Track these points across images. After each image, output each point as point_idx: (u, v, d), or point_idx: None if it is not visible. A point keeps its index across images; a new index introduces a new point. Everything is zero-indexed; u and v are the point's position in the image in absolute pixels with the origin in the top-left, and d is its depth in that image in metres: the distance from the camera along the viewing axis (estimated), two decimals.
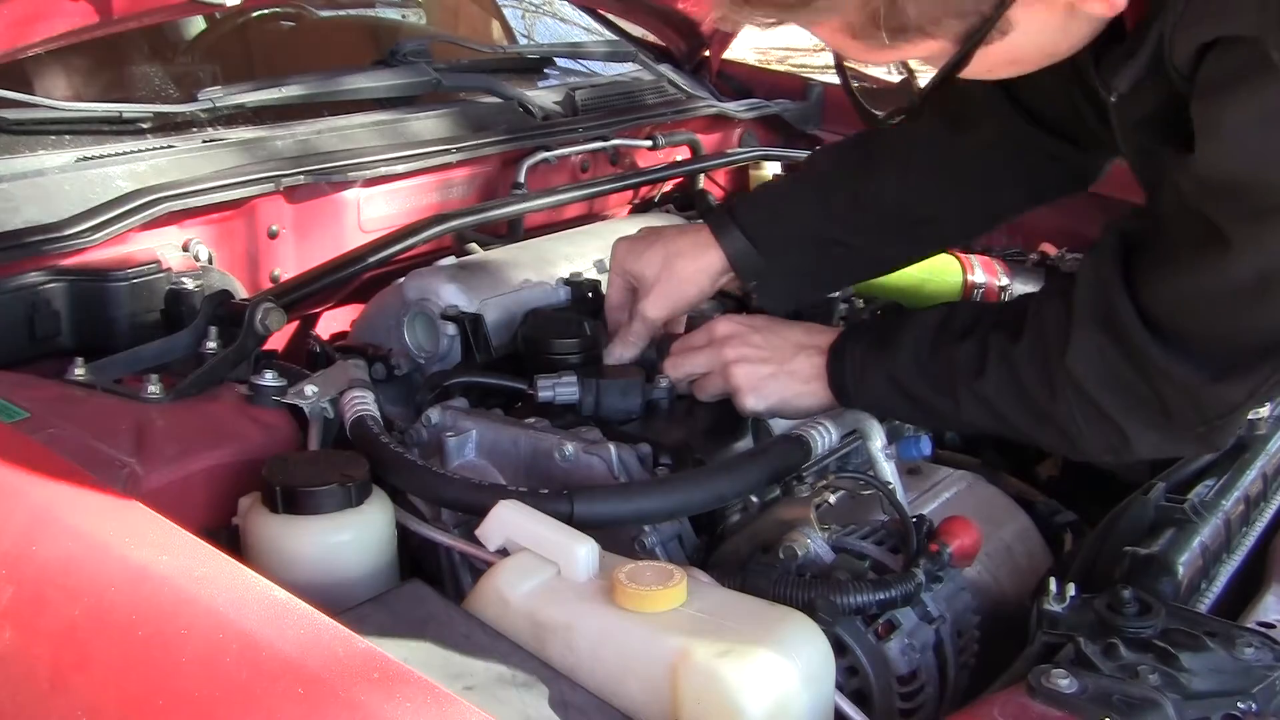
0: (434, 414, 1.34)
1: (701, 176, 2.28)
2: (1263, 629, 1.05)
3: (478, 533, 1.06)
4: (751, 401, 1.32)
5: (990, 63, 1.02)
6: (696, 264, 1.44)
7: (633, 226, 1.90)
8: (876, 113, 1.15)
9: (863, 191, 1.43)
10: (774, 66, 4.37)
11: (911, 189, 1.43)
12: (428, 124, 1.94)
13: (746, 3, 0.97)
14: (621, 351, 1.45)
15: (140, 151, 1.61)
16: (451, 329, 1.52)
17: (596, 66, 2.45)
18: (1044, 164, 1.42)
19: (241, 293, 1.55)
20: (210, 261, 1.58)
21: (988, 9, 0.95)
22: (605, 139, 2.13)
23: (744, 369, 1.32)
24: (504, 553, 1.04)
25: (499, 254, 1.72)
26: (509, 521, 1.05)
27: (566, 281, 1.65)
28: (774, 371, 1.32)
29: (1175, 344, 1.03)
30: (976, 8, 0.95)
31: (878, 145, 1.46)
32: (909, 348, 1.23)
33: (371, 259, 1.61)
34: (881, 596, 1.06)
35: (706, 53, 2.59)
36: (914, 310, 1.29)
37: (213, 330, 1.40)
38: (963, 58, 0.99)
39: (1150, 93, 1.04)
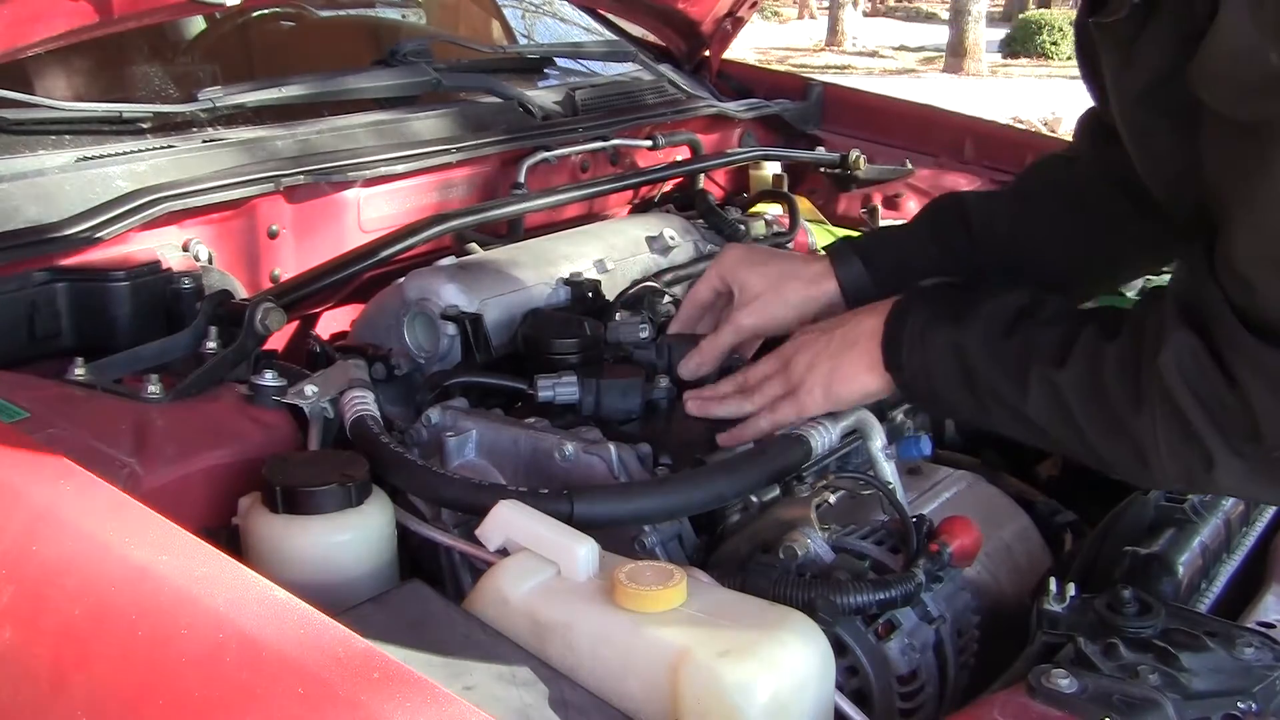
0: (434, 414, 1.34)
1: (701, 176, 2.28)
2: (1263, 629, 1.05)
3: (478, 533, 1.06)
4: (812, 401, 1.25)
5: None
6: (807, 291, 1.39)
7: (633, 226, 1.91)
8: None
9: (983, 235, 1.38)
10: (774, 66, 4.38)
11: (1029, 239, 1.37)
12: (428, 124, 1.94)
13: None
14: (701, 361, 1.41)
15: (140, 151, 1.61)
16: (451, 329, 1.52)
17: (596, 66, 2.45)
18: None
19: (241, 293, 1.55)
20: (210, 261, 1.58)
21: None
22: (605, 139, 2.14)
23: (813, 369, 1.25)
24: (504, 553, 1.04)
25: (499, 254, 1.73)
26: (509, 521, 1.05)
27: (566, 281, 1.65)
28: (828, 346, 1.24)
29: (1269, 333, 0.93)
30: None
31: (1025, 191, 1.42)
32: (985, 318, 1.12)
33: (371, 259, 1.61)
34: (881, 596, 1.06)
35: (706, 53, 2.60)
36: (995, 288, 1.19)
37: (213, 330, 1.40)
38: None
39: (1158, 32, 0.97)
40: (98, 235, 1.43)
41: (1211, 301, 0.96)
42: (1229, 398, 0.95)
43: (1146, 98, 1.05)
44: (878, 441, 1.28)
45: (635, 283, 1.66)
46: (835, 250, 1.42)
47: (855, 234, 1.81)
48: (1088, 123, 1.39)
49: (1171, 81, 0.96)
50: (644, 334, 1.47)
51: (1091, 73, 1.21)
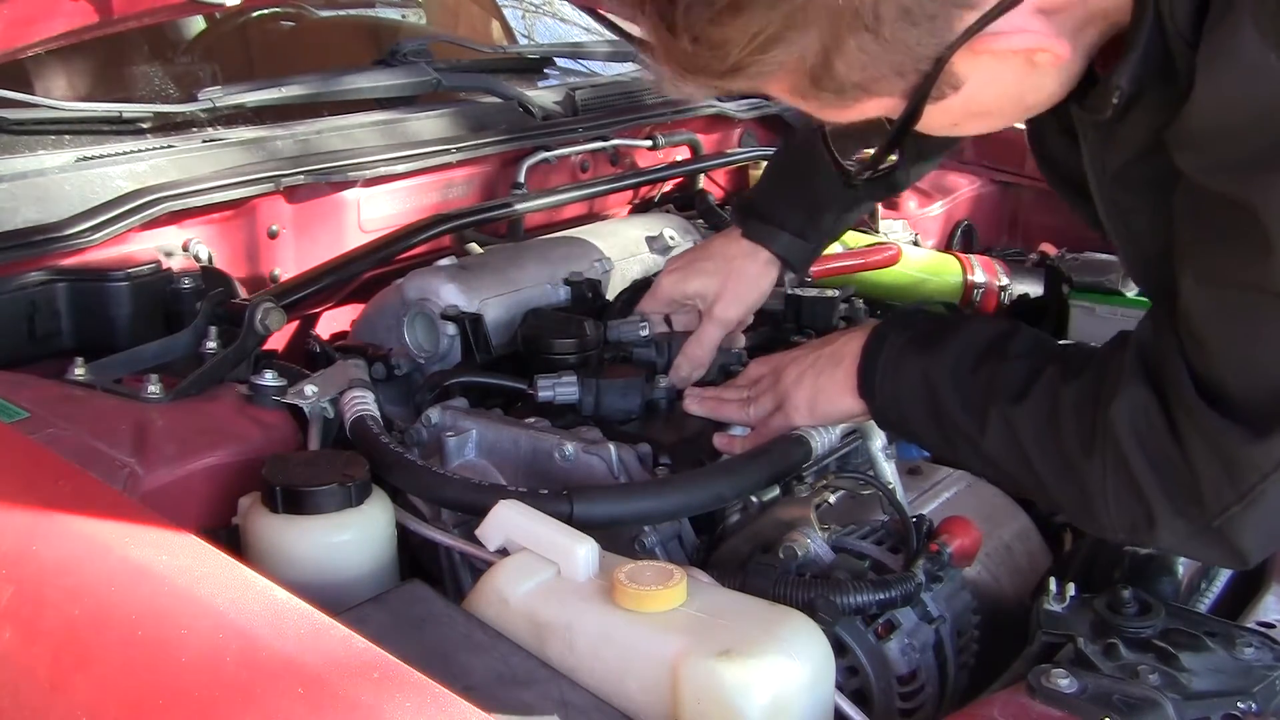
0: (434, 414, 1.34)
1: (701, 176, 2.28)
2: (1263, 629, 1.05)
3: (478, 533, 1.06)
4: (798, 415, 1.26)
5: (953, 117, 0.98)
6: (756, 264, 1.49)
7: (633, 226, 1.90)
8: (849, 167, 1.11)
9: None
10: None
11: None
12: (428, 124, 1.94)
13: (685, 76, 0.94)
14: (691, 365, 1.45)
15: (140, 151, 1.61)
16: (451, 329, 1.52)
17: (596, 66, 2.45)
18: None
19: (241, 293, 1.54)
20: (210, 261, 1.58)
21: (926, 65, 0.91)
22: (605, 139, 2.13)
23: (799, 384, 1.27)
24: (504, 553, 1.04)
25: (499, 254, 1.72)
26: (509, 521, 1.05)
27: (567, 281, 1.65)
28: (816, 362, 1.26)
29: (1218, 398, 0.93)
30: (914, 65, 0.91)
31: None
32: (954, 350, 1.12)
33: (371, 259, 1.61)
34: (881, 596, 1.06)
35: None
36: (974, 316, 1.25)
37: (213, 330, 1.40)
38: (912, 114, 0.95)
39: (1142, 117, 0.97)
40: (98, 235, 1.43)
41: (1169, 356, 0.96)
42: (1176, 458, 0.95)
43: (1126, 173, 1.03)
44: (878, 441, 1.28)
45: (635, 283, 1.66)
46: (750, 229, 1.50)
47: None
48: None
49: (1153, 154, 0.95)
50: (644, 333, 1.48)
51: (1057, 173, 1.21)
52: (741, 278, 1.48)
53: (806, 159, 1.48)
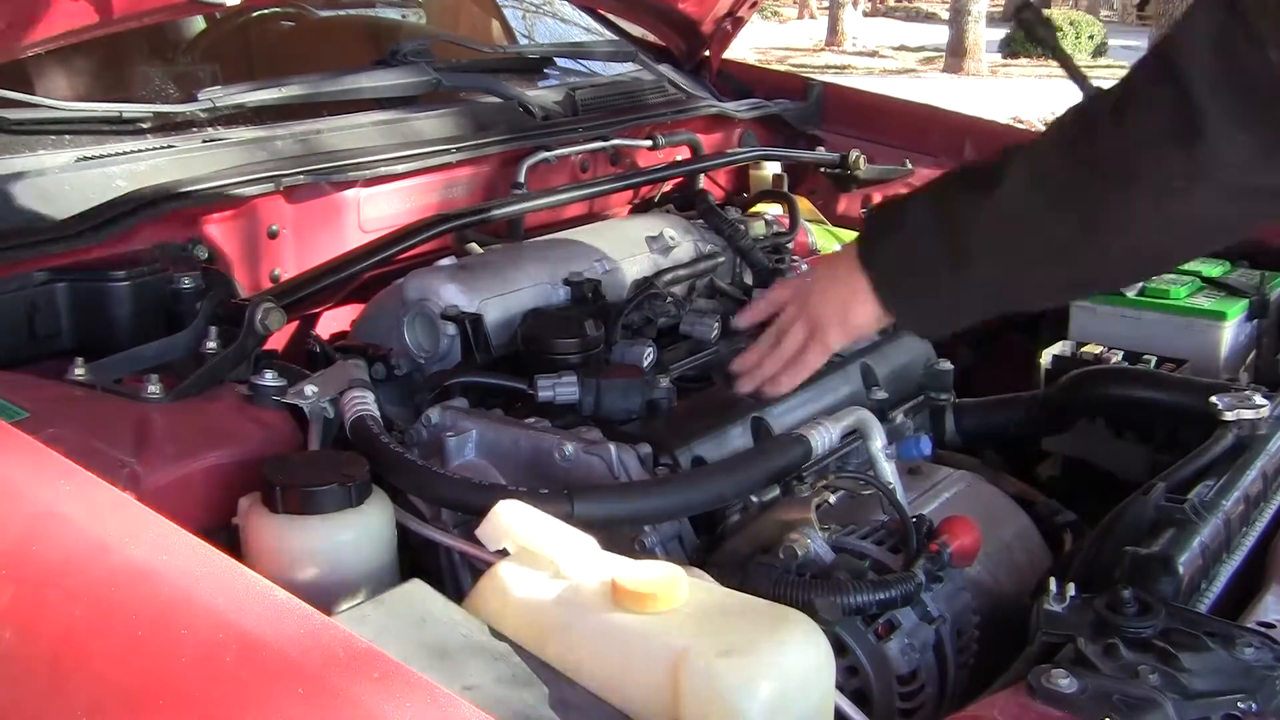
0: (434, 414, 1.34)
1: (701, 176, 2.28)
2: (1263, 629, 1.05)
3: (478, 533, 1.06)
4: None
5: None
6: (867, 310, 1.35)
7: (633, 226, 1.91)
8: None
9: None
10: (774, 66, 4.38)
11: None
12: (428, 124, 1.94)
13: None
14: (790, 381, 1.41)
15: (140, 151, 1.61)
16: (451, 329, 1.52)
17: (596, 66, 2.45)
18: None
19: (241, 293, 1.55)
20: (210, 261, 1.58)
21: None
22: (605, 139, 2.13)
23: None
24: (504, 553, 1.04)
25: (499, 254, 1.73)
26: (509, 521, 1.05)
27: (567, 281, 1.65)
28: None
29: None
30: None
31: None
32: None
33: (371, 259, 1.61)
34: (881, 596, 1.06)
35: (706, 53, 2.60)
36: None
37: (213, 330, 1.40)
38: None
39: None
40: (98, 235, 1.43)
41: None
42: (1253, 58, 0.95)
43: None
44: (878, 441, 1.28)
45: (640, 288, 1.67)
46: (879, 277, 1.36)
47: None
48: None
49: None
50: (714, 335, 1.56)
51: None
52: (854, 320, 1.37)
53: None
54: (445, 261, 1.67)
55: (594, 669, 0.93)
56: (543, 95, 2.16)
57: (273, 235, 1.69)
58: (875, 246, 1.31)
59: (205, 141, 1.69)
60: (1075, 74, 1.49)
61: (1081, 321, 1.87)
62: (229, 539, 1.12)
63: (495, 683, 0.90)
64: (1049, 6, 23.26)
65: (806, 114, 2.56)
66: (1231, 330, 1.79)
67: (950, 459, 1.53)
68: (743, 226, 2.03)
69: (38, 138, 1.56)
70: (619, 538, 1.16)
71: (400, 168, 1.80)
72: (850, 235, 2.15)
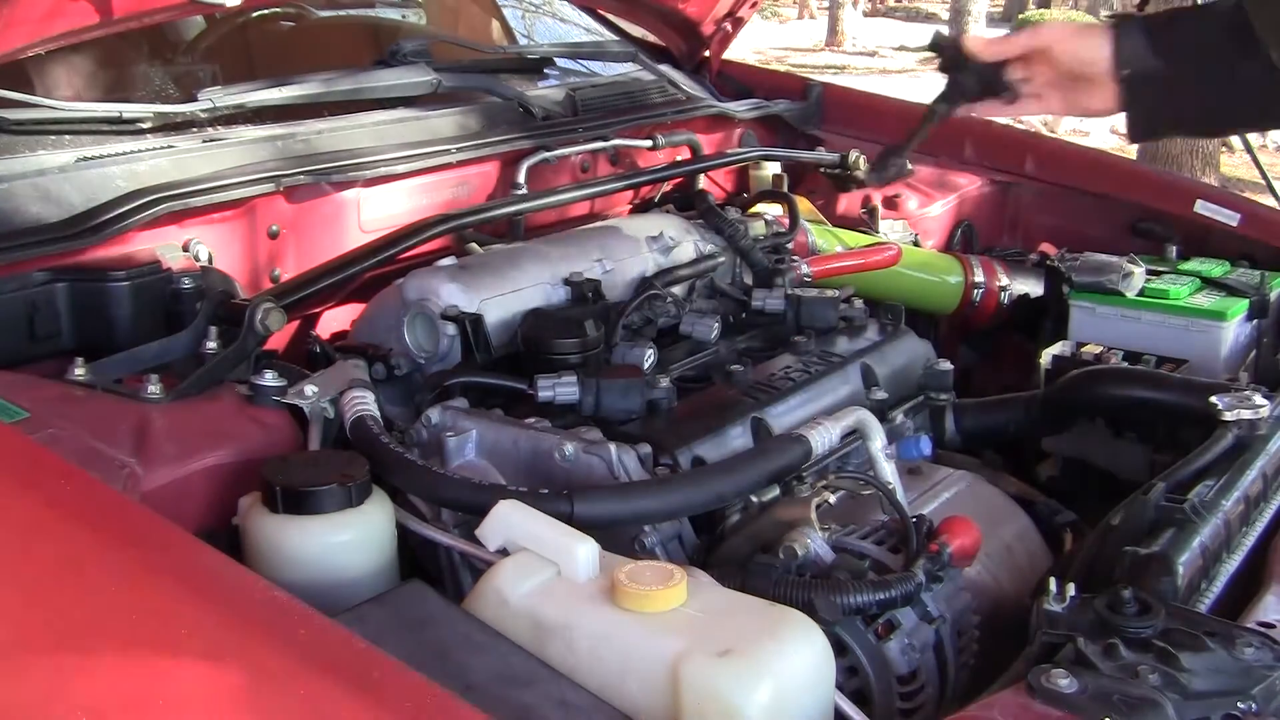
0: (434, 414, 1.34)
1: (701, 176, 2.28)
2: (1263, 629, 1.05)
3: (478, 533, 1.06)
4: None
5: None
6: (1088, 46, 1.40)
7: (633, 226, 1.90)
8: None
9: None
10: (774, 66, 4.38)
11: None
12: (428, 124, 1.94)
13: None
14: (998, 47, 1.46)
15: (140, 151, 1.61)
16: (451, 329, 1.52)
17: (596, 66, 2.45)
18: None
19: (241, 293, 1.55)
20: (210, 261, 1.58)
21: None
22: (605, 139, 2.14)
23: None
24: (504, 553, 1.04)
25: (499, 254, 1.73)
26: (509, 521, 1.05)
27: (567, 281, 1.65)
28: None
29: None
30: None
31: None
32: None
33: (371, 259, 1.61)
34: (881, 596, 1.06)
35: (706, 53, 2.60)
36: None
37: (213, 330, 1.40)
38: None
39: None
40: (98, 235, 1.43)
41: None
42: None
43: None
44: (878, 441, 1.28)
45: (640, 289, 1.66)
46: (1120, 20, 1.42)
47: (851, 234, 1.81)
48: None
49: None
50: (714, 335, 1.56)
51: None
52: (1073, 48, 1.41)
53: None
54: (445, 261, 1.67)
55: (594, 669, 0.93)
56: (543, 95, 2.16)
57: (273, 235, 1.69)
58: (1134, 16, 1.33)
59: (205, 141, 1.69)
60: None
61: (1081, 321, 1.87)
62: (229, 539, 1.12)
63: (495, 683, 0.90)
64: (1049, 7, 23.25)
65: (806, 114, 2.56)
66: (1231, 330, 1.79)
67: (950, 459, 1.53)
68: (743, 226, 2.03)
69: (38, 138, 1.56)
70: (619, 538, 1.16)
71: (400, 168, 1.80)
72: (850, 235, 2.15)
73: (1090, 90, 1.42)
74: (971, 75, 1.49)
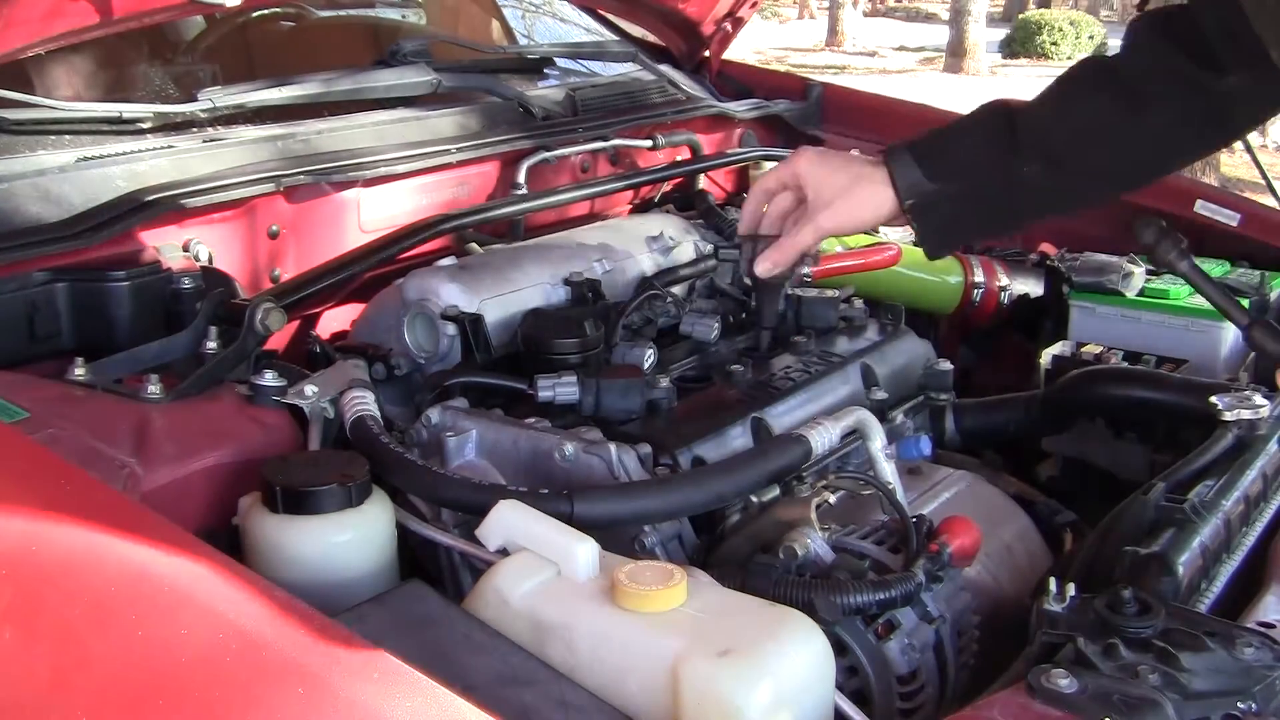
0: (434, 414, 1.34)
1: (701, 176, 2.28)
2: (1263, 629, 1.05)
3: (478, 533, 1.06)
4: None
5: None
6: (873, 188, 1.43)
7: (633, 226, 1.91)
8: None
9: (1028, 141, 1.41)
10: (774, 66, 4.38)
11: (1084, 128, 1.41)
12: (428, 124, 1.94)
13: None
14: (779, 258, 1.47)
15: (140, 151, 1.61)
16: (451, 329, 1.52)
17: (596, 66, 2.45)
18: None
19: (241, 293, 1.55)
20: (210, 261, 1.58)
21: None
22: (605, 139, 2.14)
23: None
24: (504, 553, 1.04)
25: (499, 254, 1.73)
26: (509, 521, 1.05)
27: (567, 281, 1.65)
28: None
29: None
30: None
31: (1070, 96, 1.45)
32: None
33: (371, 259, 1.61)
34: (881, 596, 1.06)
35: (706, 53, 2.60)
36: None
37: (213, 330, 1.40)
38: None
39: None
40: (98, 235, 1.43)
41: None
42: None
43: None
44: (878, 441, 1.28)
45: (640, 289, 1.66)
46: (892, 151, 1.45)
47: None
48: (1145, 23, 1.41)
49: None
50: (714, 335, 1.57)
51: None
52: (855, 197, 1.44)
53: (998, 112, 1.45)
54: (445, 261, 1.67)
55: (594, 669, 0.93)
56: (543, 95, 2.16)
57: (273, 235, 1.69)
58: (906, 143, 1.38)
59: (205, 141, 1.69)
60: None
61: (1081, 321, 1.87)
62: (229, 539, 1.12)
63: (495, 683, 0.90)
64: (1049, 7, 23.25)
65: (806, 114, 2.56)
66: (1231, 330, 1.79)
67: (950, 459, 1.53)
68: None
69: (38, 138, 1.56)
70: (619, 538, 1.16)
71: (400, 168, 1.80)
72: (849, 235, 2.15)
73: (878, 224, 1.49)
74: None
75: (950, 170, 1.42)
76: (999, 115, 1.44)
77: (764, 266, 1.47)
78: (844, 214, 1.44)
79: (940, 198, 1.41)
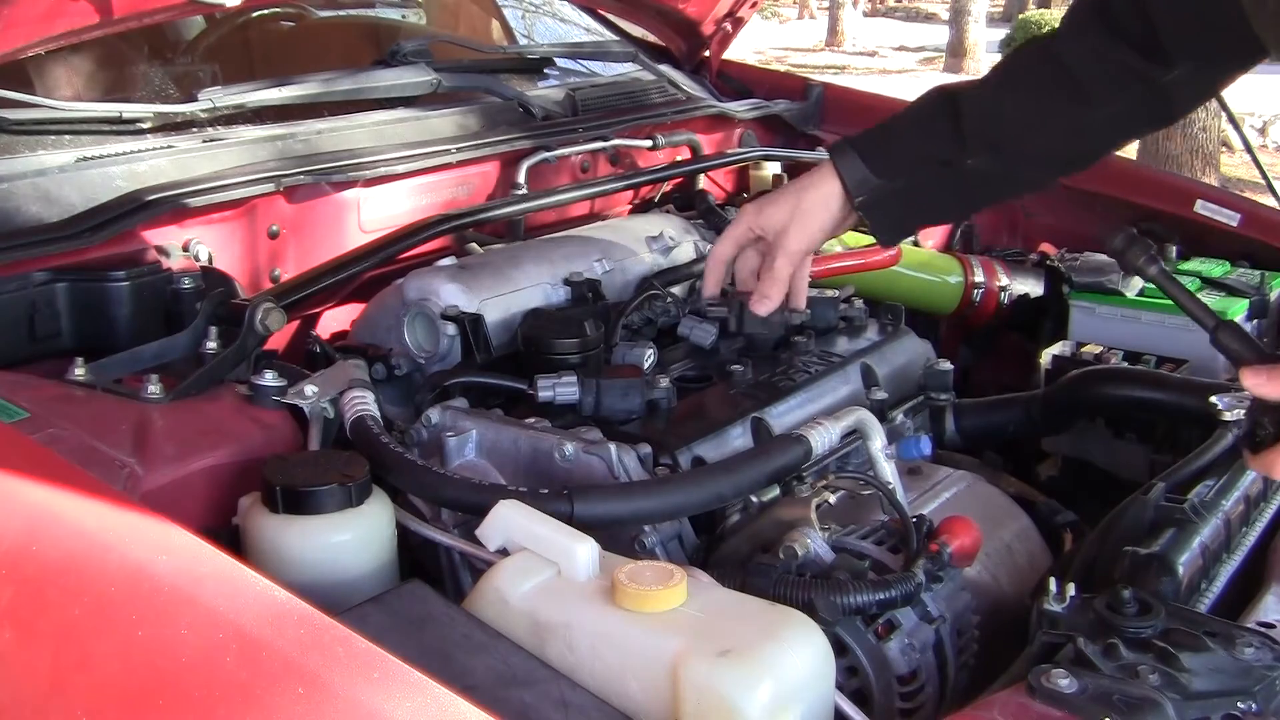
0: (434, 414, 1.34)
1: (701, 176, 2.28)
2: (1263, 629, 1.05)
3: (478, 533, 1.06)
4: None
5: None
6: (820, 192, 1.48)
7: (633, 226, 1.91)
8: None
9: (972, 126, 1.44)
10: (774, 66, 4.38)
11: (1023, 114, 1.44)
12: (428, 124, 1.94)
13: None
14: (768, 290, 1.50)
15: (140, 151, 1.61)
16: (451, 329, 1.52)
17: (596, 66, 2.45)
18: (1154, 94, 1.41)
19: (241, 293, 1.55)
20: (210, 261, 1.58)
21: None
22: (605, 139, 2.14)
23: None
24: (504, 553, 1.04)
25: (499, 254, 1.73)
26: (509, 521, 1.05)
27: (567, 281, 1.65)
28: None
29: None
30: None
31: (1012, 81, 1.48)
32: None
33: (371, 259, 1.61)
34: (881, 596, 1.06)
35: (706, 53, 2.60)
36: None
37: (213, 330, 1.40)
38: None
39: None
40: (98, 235, 1.43)
41: None
42: None
43: None
44: (878, 441, 1.28)
45: (640, 289, 1.66)
46: (835, 149, 1.49)
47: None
48: (1088, 12, 1.42)
49: None
50: (712, 341, 1.56)
51: None
52: (802, 209, 1.49)
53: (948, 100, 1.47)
54: (445, 261, 1.67)
55: (594, 669, 0.93)
56: (543, 95, 2.17)
57: (273, 235, 1.69)
58: (851, 139, 1.44)
59: (205, 141, 1.69)
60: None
61: (1081, 321, 1.87)
62: (229, 539, 1.12)
63: (495, 683, 0.90)
64: (1049, 7, 23.24)
65: (806, 114, 2.56)
66: None
67: (950, 459, 1.53)
68: None
69: (38, 138, 1.56)
70: (619, 538, 1.16)
71: (400, 168, 1.80)
72: (850, 235, 2.15)
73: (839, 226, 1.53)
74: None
75: (897, 166, 1.45)
76: (943, 105, 1.46)
77: (764, 305, 1.51)
78: (802, 228, 1.49)
79: (889, 192, 1.45)
